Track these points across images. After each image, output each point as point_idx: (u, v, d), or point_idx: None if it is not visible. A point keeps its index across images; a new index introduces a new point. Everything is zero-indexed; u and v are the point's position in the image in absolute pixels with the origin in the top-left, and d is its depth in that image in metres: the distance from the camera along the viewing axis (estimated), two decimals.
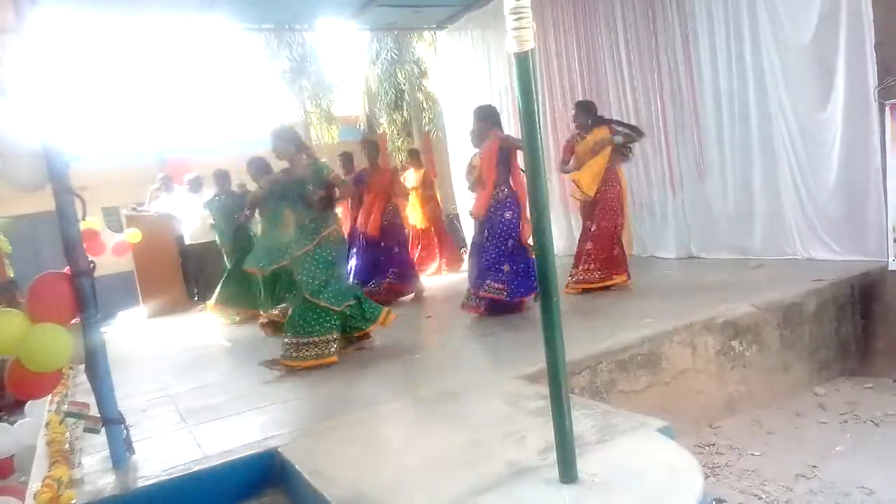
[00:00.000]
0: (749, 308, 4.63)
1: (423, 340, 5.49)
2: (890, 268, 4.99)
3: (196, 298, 9.30)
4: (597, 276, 5.81)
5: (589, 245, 5.86)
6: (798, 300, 4.80)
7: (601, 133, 5.80)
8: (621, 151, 5.83)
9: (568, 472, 2.28)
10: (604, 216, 5.79)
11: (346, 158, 8.01)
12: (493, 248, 5.41)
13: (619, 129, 5.83)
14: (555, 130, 8.45)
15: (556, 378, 2.21)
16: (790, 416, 4.40)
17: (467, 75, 9.81)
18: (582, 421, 2.86)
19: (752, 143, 6.23)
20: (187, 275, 9.46)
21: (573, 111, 6.10)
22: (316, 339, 4.77)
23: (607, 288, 5.78)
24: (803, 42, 5.61)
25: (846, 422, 4.21)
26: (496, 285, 5.36)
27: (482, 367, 4.32)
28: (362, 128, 14.89)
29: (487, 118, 5.58)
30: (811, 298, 4.84)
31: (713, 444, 4.11)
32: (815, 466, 3.67)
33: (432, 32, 10.99)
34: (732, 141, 6.42)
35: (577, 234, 6.44)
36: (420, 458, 2.89)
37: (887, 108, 4.89)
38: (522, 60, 2.04)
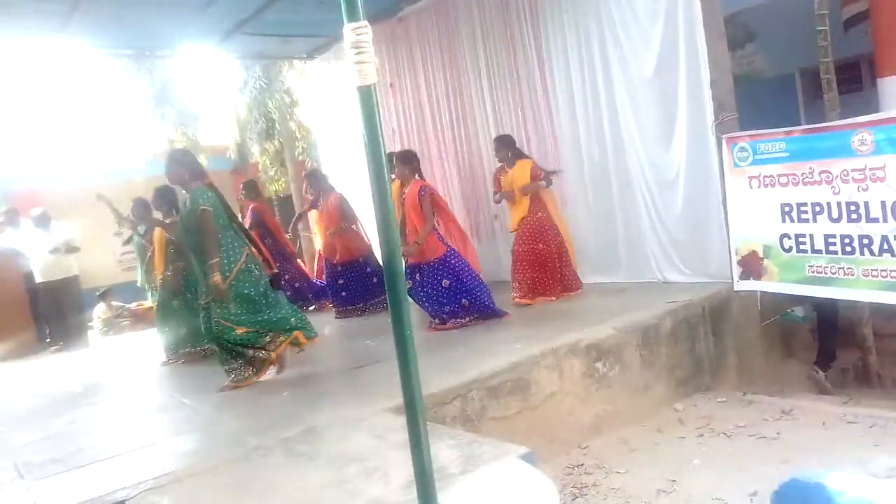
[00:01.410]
0: (610, 330, 4.82)
1: (286, 373, 5.30)
2: (735, 288, 5.36)
3: (48, 340, 8.58)
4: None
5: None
6: (655, 321, 5.04)
7: (524, 167, 6.22)
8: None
9: None
10: (518, 240, 6.28)
11: (250, 187, 8.34)
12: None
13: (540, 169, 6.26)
14: (429, 156, 8.50)
15: (412, 407, 2.17)
16: (652, 432, 4.59)
17: (338, 104, 9.73)
18: (447, 452, 2.84)
19: (609, 173, 6.51)
20: (38, 315, 8.70)
21: (494, 145, 6.55)
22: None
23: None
24: (646, 76, 5.96)
25: (702, 435, 4.44)
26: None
27: (352, 401, 4.22)
28: (232, 157, 14.44)
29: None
30: (666, 319, 5.10)
31: (582, 465, 4.20)
32: (674, 480, 3.82)
33: (302, 61, 10.87)
34: (592, 170, 6.68)
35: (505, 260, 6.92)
36: (283, 501, 2.76)
37: (724, 142, 5.28)
38: (365, 94, 2.03)
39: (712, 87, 5.45)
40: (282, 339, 4.89)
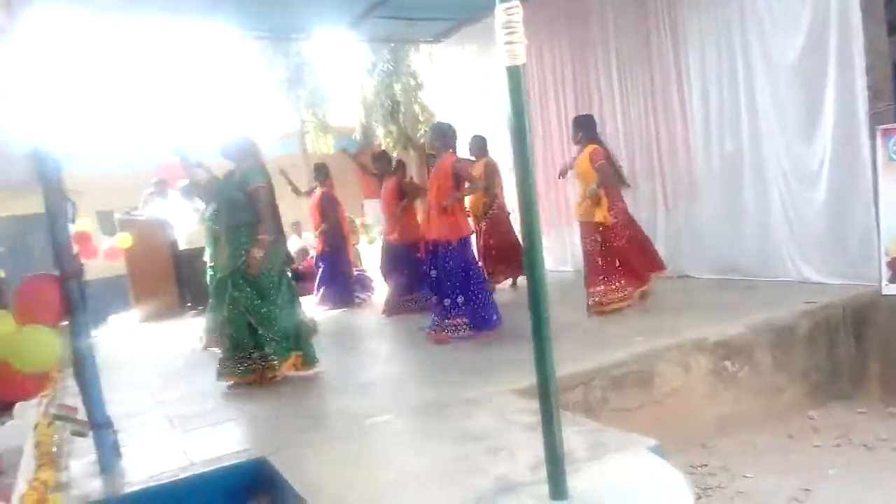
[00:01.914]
0: (741, 328, 4.63)
1: (407, 351, 5.44)
2: (882, 292, 4.99)
3: (189, 304, 9.25)
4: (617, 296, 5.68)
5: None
6: (790, 322, 4.80)
7: (585, 152, 5.64)
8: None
9: (558, 489, 2.25)
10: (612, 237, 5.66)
11: (320, 170, 8.02)
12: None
13: (600, 164, 5.56)
14: (551, 146, 8.45)
15: (546, 394, 2.20)
16: (783, 438, 4.39)
17: (463, 88, 9.82)
18: (573, 438, 2.84)
19: (742, 164, 6.22)
20: (181, 280, 9.40)
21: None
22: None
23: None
24: (790, 62, 5.62)
25: (839, 446, 4.21)
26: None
27: (472, 380, 4.29)
28: (357, 138, 14.90)
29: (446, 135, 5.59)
30: (803, 321, 4.83)
31: (705, 465, 4.09)
32: (808, 490, 3.65)
33: (429, 45, 11.02)
34: (723, 161, 6.42)
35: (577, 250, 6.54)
36: (407, 470, 2.87)
37: (878, 134, 4.91)
38: (514, 74, 2.05)
39: (868, 74, 5.06)
40: (284, 358, 4.69)
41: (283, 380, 4.64)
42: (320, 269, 8.08)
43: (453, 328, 5.28)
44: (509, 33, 2.00)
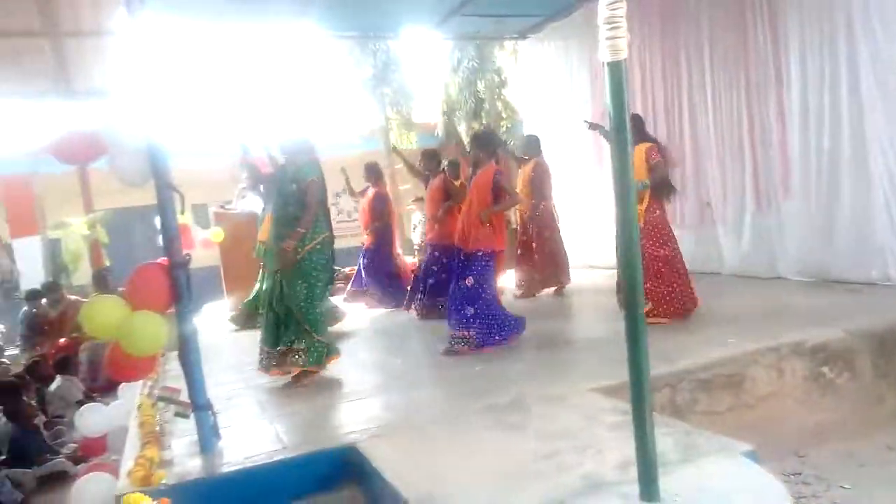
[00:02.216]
0: (841, 334, 4.42)
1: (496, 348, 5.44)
2: None
3: None
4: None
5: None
6: (894, 328, 4.54)
7: (639, 151, 5.16)
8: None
9: (649, 489, 2.23)
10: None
11: (372, 170, 7.89)
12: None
13: (657, 161, 5.22)
14: None
15: (639, 394, 2.18)
16: (883, 449, 4.16)
17: (548, 85, 9.77)
18: (663, 439, 2.78)
19: (842, 164, 5.94)
20: None
21: None
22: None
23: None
24: None
25: None
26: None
27: (556, 379, 4.28)
28: (440, 135, 15.03)
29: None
30: None
31: (799, 474, 3.94)
32: None
33: (514, 42, 11.00)
34: (820, 161, 6.14)
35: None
36: (494, 465, 2.89)
37: None
38: (615, 70, 2.04)
39: None
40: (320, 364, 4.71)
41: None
42: (364, 264, 7.99)
43: (459, 340, 5.08)
44: (612, 28, 1.99)
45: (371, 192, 7.86)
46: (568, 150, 9.19)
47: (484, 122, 14.29)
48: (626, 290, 2.18)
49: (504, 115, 14.33)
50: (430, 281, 6.92)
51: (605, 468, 2.65)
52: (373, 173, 7.86)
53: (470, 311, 5.05)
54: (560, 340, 5.18)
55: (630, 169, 2.13)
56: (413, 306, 7.13)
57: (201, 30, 8.88)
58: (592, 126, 5.87)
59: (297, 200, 4.65)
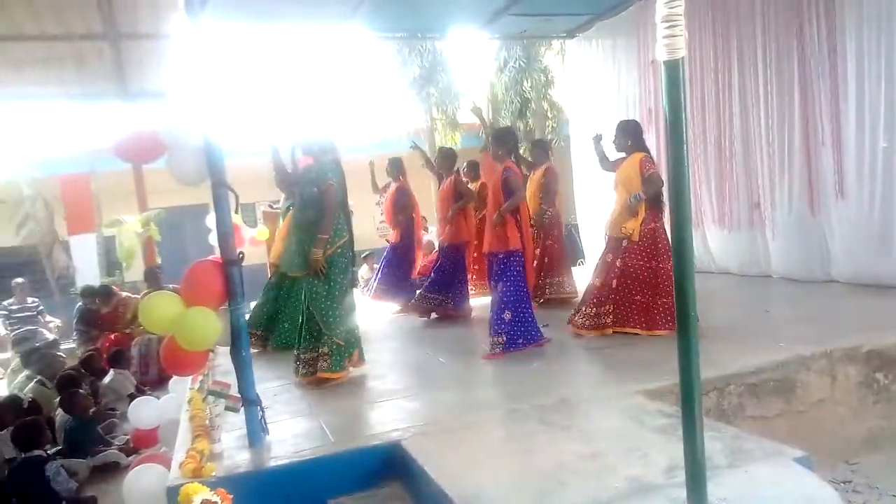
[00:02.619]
0: None
1: (538, 349, 5.43)
2: None
3: None
4: (608, 320, 5.24)
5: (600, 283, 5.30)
6: None
7: (632, 161, 5.19)
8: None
9: (697, 494, 2.21)
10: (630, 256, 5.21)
11: (394, 165, 7.80)
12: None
13: (652, 173, 5.11)
14: (691, 141, 8.17)
15: (689, 395, 2.16)
16: None
17: (595, 84, 9.68)
18: (710, 443, 2.73)
19: None
20: None
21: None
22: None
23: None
24: None
25: None
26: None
27: (600, 380, 4.26)
28: (484, 135, 14.99)
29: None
30: None
31: (849, 482, 3.85)
32: None
33: (561, 41, 10.94)
34: (874, 162, 5.95)
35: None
36: (539, 465, 2.90)
37: None
38: (672, 68, 2.02)
39: None
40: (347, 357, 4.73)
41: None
42: (386, 259, 7.96)
43: (494, 345, 5.04)
44: (670, 26, 1.97)
45: (393, 186, 7.84)
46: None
47: (530, 121, 14.22)
48: (677, 295, 2.16)
49: (550, 115, 14.24)
50: (433, 276, 6.99)
51: (651, 471, 2.64)
52: (395, 168, 7.83)
53: (506, 315, 5.01)
54: (602, 343, 5.12)
55: (686, 172, 2.11)
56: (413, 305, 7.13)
57: (255, 32, 9.07)
58: (597, 139, 5.74)
59: (317, 204, 4.62)
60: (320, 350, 4.62)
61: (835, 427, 4.13)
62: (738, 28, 7.26)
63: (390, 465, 3.29)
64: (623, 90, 9.06)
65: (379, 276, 7.98)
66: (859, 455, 4.11)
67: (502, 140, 5.31)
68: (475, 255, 7.57)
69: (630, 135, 5.34)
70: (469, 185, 7.64)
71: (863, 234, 6.13)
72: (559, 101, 13.91)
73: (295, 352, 4.86)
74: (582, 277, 9.04)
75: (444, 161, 7.36)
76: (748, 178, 7.34)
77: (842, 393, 4.14)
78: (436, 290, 6.92)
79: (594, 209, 10.08)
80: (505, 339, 5.00)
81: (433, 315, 6.96)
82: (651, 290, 5.13)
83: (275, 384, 4.84)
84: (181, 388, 5.34)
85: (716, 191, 7.77)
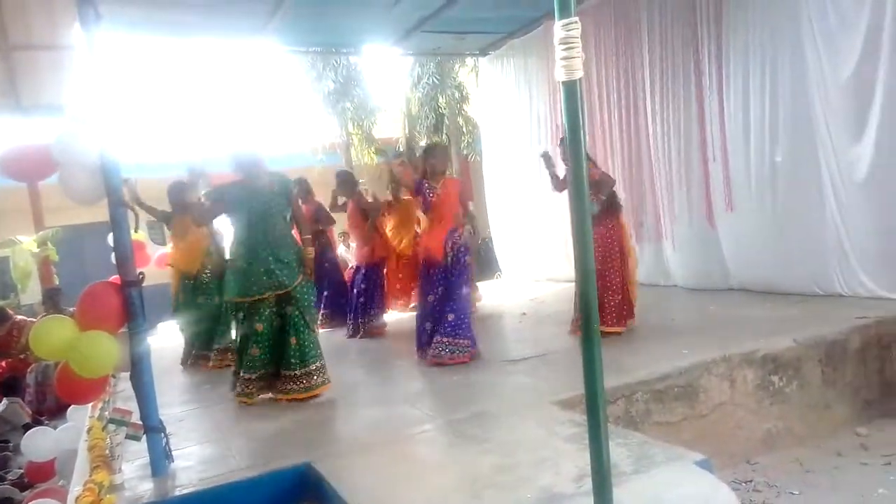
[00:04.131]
0: (790, 343, 4.55)
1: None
2: None
3: None
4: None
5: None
6: (841, 337, 4.69)
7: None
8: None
9: (603, 501, 2.25)
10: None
11: (343, 179, 7.52)
12: None
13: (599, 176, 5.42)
14: (594, 154, 8.42)
15: (594, 404, 2.20)
16: (831, 455, 4.29)
17: (507, 101, 9.89)
18: (617, 450, 2.83)
19: (787, 177, 6.10)
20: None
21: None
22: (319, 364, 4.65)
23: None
24: (842, 71, 5.53)
25: (889, 464, 4.09)
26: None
27: (516, 392, 4.31)
28: (401, 150, 15.05)
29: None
30: (855, 336, 4.72)
31: (750, 481, 4.03)
32: None
33: (475, 58, 11.12)
34: (762, 172, 6.30)
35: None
36: (453, 480, 2.90)
37: None
38: (570, 88, 2.07)
39: None
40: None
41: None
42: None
43: (462, 348, 5.12)
44: (567, 48, 2.02)
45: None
46: (527, 166, 9.31)
47: (445, 136, 14.38)
48: (582, 306, 2.20)
49: (465, 131, 14.44)
50: (361, 300, 6.99)
51: (561, 480, 2.68)
52: (348, 186, 7.61)
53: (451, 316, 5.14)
54: (520, 354, 5.20)
55: (586, 186, 2.16)
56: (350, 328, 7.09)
57: (160, 45, 8.80)
58: (546, 158, 5.80)
59: (284, 216, 4.61)
60: (313, 366, 4.54)
61: (735, 429, 4.32)
62: (639, 48, 7.57)
63: (303, 487, 3.21)
64: (534, 107, 9.28)
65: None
66: (758, 455, 4.32)
67: (439, 154, 5.45)
68: (395, 267, 7.53)
69: None
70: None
71: (753, 245, 6.46)
72: (474, 117, 14.14)
73: (258, 372, 4.58)
74: (500, 290, 9.26)
75: (344, 185, 7.23)
76: (654, 193, 7.63)
77: (741, 396, 4.34)
78: (364, 313, 6.93)
79: (508, 223, 10.29)
80: (470, 340, 5.13)
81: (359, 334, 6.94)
82: (601, 289, 5.26)
83: (182, 409, 4.66)
84: (80, 416, 5.05)
85: (629, 205, 8.02)
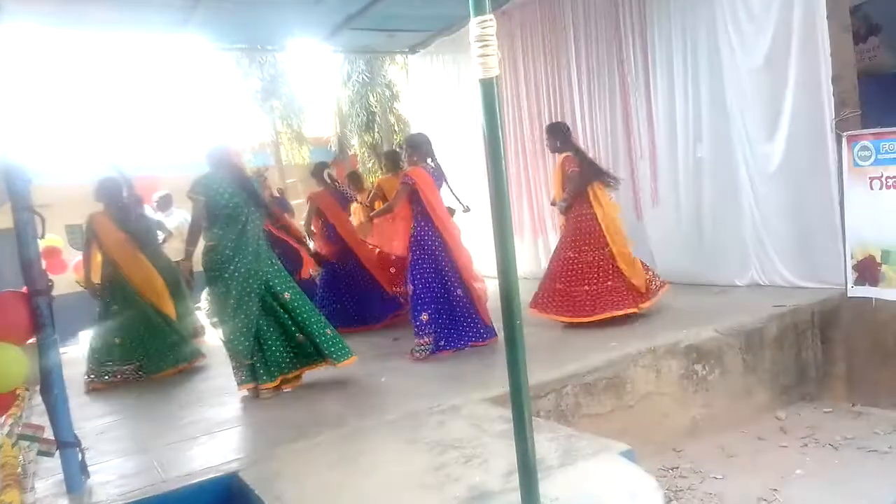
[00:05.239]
0: (712, 333, 4.70)
1: (385, 362, 5.41)
2: (848, 294, 5.10)
3: None
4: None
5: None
6: (759, 325, 4.88)
7: (558, 161, 5.64)
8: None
9: (530, 496, 2.26)
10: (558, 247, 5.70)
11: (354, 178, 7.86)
12: None
13: (572, 171, 5.47)
14: (524, 155, 8.53)
15: (518, 401, 2.21)
16: (752, 439, 4.46)
17: (438, 99, 9.89)
18: (545, 444, 2.86)
19: (710, 169, 6.30)
20: None
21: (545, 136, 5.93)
22: None
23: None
24: (755, 67, 5.74)
25: (806, 445, 4.29)
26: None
27: (447, 390, 4.30)
28: (333, 149, 14.90)
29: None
30: (772, 324, 4.92)
31: (677, 468, 4.14)
32: (775, 490, 3.72)
33: (404, 56, 11.08)
34: (687, 166, 6.49)
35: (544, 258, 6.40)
36: (383, 481, 2.87)
37: (844, 140, 5.03)
38: (487, 86, 2.07)
39: (834, 82, 5.17)
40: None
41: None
42: None
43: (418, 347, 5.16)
44: (483, 46, 2.02)
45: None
46: (459, 162, 9.32)
47: (377, 135, 14.29)
48: (503, 302, 2.20)
49: (396, 129, 14.40)
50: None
51: (490, 477, 2.69)
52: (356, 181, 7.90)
53: (423, 317, 5.12)
54: (451, 353, 5.19)
55: (504, 181, 2.15)
56: None
57: (73, 40, 8.42)
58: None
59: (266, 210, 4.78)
60: (326, 332, 4.66)
61: (661, 418, 4.44)
62: (565, 47, 7.69)
63: (228, 498, 3.12)
64: (464, 103, 9.30)
65: None
66: (684, 442, 4.45)
67: (416, 144, 5.41)
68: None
69: (558, 136, 5.66)
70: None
71: (676, 238, 6.66)
72: (405, 115, 14.12)
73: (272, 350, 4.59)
74: None
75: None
76: None
77: (666, 386, 4.46)
78: None
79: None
80: (431, 340, 5.12)
81: None
82: (572, 279, 5.41)
83: (104, 421, 4.48)
84: None
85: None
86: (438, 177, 5.37)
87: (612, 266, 5.37)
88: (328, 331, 4.67)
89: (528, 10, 8.04)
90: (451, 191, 5.53)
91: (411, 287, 5.15)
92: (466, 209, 5.55)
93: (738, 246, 6.14)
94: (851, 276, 5.09)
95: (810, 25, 5.30)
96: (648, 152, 6.84)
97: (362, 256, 6.85)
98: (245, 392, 4.59)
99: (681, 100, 6.46)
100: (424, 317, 5.10)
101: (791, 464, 4.03)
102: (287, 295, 4.61)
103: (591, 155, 7.31)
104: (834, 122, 5.19)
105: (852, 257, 5.07)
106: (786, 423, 4.68)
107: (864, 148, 4.87)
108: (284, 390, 4.65)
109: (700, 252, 6.48)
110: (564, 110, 7.83)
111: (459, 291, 5.18)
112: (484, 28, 2.04)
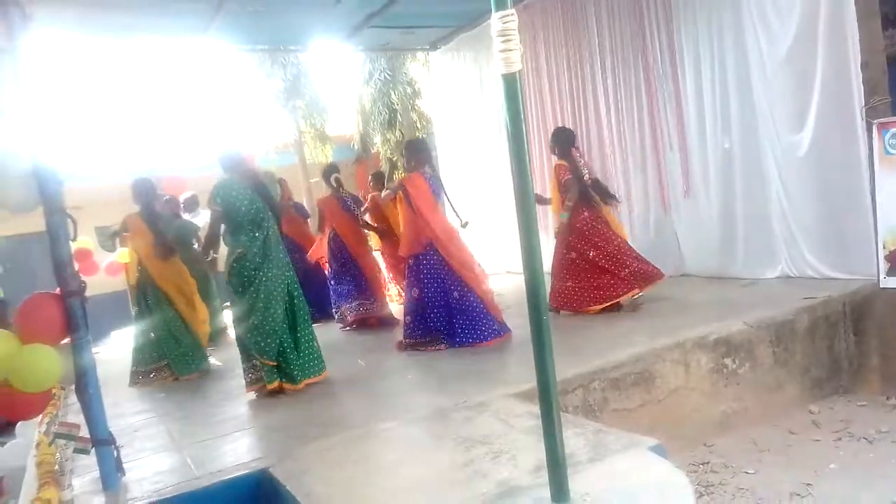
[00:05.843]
0: (741, 326, 4.64)
1: (411, 359, 5.44)
2: (881, 285, 5.01)
3: None
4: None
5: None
6: (790, 318, 4.81)
7: (553, 170, 5.87)
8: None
9: (559, 491, 2.27)
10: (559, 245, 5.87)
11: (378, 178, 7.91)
12: None
13: (566, 180, 5.66)
14: (547, 152, 8.48)
15: (546, 396, 2.21)
16: (784, 433, 4.40)
17: (460, 95, 9.88)
18: (574, 440, 2.85)
19: (738, 161, 6.23)
20: None
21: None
22: None
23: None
24: (782, 54, 5.64)
25: (840, 439, 4.21)
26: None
27: (473, 386, 4.30)
28: (356, 147, 14.96)
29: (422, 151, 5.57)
30: (803, 316, 4.85)
31: (707, 463, 4.10)
32: (809, 484, 3.67)
33: (425, 53, 11.08)
34: (716, 158, 6.43)
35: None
36: (412, 478, 2.88)
37: (875, 127, 4.93)
38: (510, 81, 2.07)
39: (863, 69, 5.07)
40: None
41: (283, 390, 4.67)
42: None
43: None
44: (505, 41, 2.02)
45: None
46: (481, 158, 9.33)
47: (399, 132, 14.33)
48: (529, 297, 2.20)
49: (419, 126, 14.41)
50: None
51: (519, 472, 2.68)
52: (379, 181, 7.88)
53: (407, 318, 5.44)
54: (474, 349, 5.19)
55: (529, 177, 2.16)
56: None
57: (100, 45, 8.55)
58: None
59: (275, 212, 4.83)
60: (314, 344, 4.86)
61: (691, 412, 4.40)
62: (588, 40, 7.64)
63: (259, 494, 3.16)
64: (487, 100, 9.29)
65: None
66: (714, 437, 4.40)
67: (415, 150, 5.59)
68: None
69: (558, 142, 5.85)
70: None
71: (707, 230, 6.59)
72: (427, 112, 14.13)
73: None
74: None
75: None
76: (605, 181, 7.69)
77: (695, 380, 4.41)
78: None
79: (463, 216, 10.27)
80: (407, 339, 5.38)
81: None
82: (583, 274, 5.71)
83: (138, 419, 4.56)
84: (29, 432, 4.88)
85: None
86: (436, 185, 5.44)
87: (602, 264, 5.66)
88: (315, 343, 4.85)
89: (550, 3, 8.00)
90: (450, 203, 5.55)
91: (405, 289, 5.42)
92: (465, 224, 5.52)
93: (767, 237, 6.06)
94: (884, 266, 4.99)
95: (837, 10, 5.19)
96: (678, 145, 6.77)
97: (363, 265, 7.09)
98: (252, 394, 4.68)
99: (708, 91, 6.38)
100: (408, 318, 5.37)
101: (824, 458, 3.97)
102: (297, 301, 4.79)
103: (608, 153, 7.37)
104: (863, 110, 5.09)
105: (884, 247, 4.97)
106: (819, 416, 4.61)
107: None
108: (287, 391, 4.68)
109: (729, 244, 6.42)
110: (588, 106, 7.78)
111: (456, 293, 5.23)
112: (506, 23, 2.04)
